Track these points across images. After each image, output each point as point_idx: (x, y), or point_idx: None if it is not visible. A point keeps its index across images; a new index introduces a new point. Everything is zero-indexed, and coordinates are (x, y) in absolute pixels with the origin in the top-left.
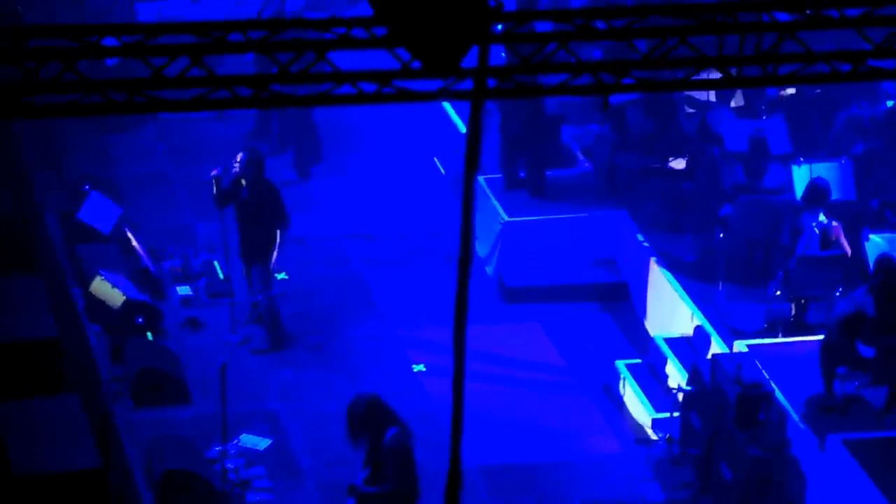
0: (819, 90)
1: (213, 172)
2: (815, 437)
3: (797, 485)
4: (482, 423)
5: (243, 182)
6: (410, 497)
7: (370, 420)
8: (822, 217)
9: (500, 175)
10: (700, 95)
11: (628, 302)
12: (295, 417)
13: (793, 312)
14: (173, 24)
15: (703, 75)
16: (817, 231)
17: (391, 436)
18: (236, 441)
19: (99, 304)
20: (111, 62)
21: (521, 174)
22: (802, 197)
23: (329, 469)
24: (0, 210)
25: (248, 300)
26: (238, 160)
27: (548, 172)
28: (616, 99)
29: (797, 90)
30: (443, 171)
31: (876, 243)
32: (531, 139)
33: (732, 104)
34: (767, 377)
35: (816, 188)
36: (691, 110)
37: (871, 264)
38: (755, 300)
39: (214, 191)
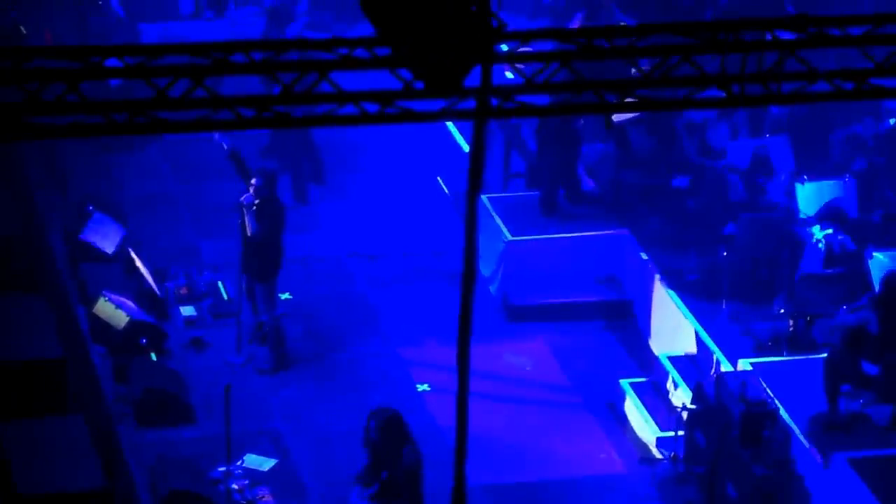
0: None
1: (225, 146)
2: (819, 455)
3: (802, 503)
4: (486, 442)
5: (255, 202)
6: None
7: (389, 435)
8: (819, 232)
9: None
10: (698, 117)
11: (632, 320)
12: (299, 437)
13: (794, 329)
14: (176, 45)
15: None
16: (822, 247)
17: (408, 454)
18: (241, 461)
19: (103, 325)
20: (114, 83)
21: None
22: (818, 216)
23: (333, 488)
24: (4, 230)
25: (253, 320)
26: (253, 183)
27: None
28: (618, 117)
29: (799, 109)
30: (446, 191)
31: (879, 260)
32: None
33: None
34: (772, 395)
35: (832, 209)
36: (684, 132)
37: (877, 281)
38: (759, 318)
39: (234, 162)
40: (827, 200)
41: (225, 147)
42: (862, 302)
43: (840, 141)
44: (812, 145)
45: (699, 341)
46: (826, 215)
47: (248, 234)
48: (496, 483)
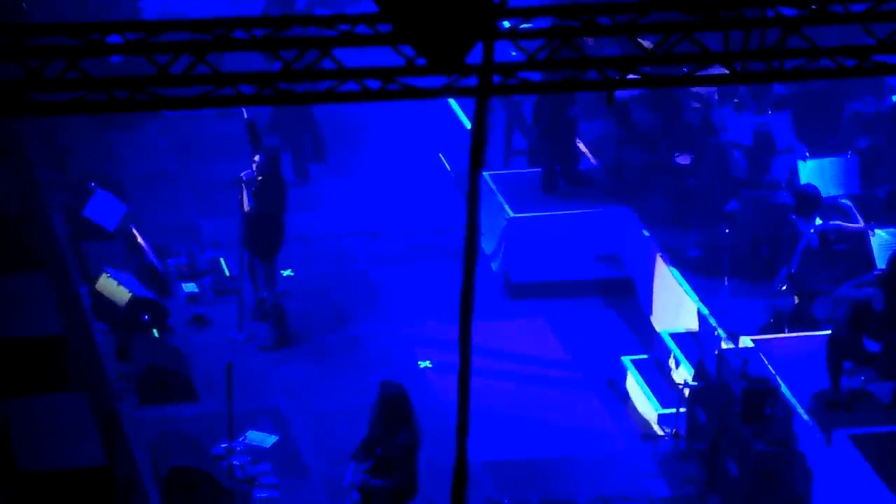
0: (824, 85)
1: (245, 115)
2: (821, 432)
3: (803, 480)
4: (488, 418)
5: (257, 178)
6: (412, 492)
7: (388, 412)
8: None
9: (543, 168)
10: (703, 91)
11: (634, 297)
12: (300, 414)
13: (797, 307)
14: (177, 21)
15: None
16: (815, 236)
17: (405, 433)
18: (242, 438)
19: (105, 302)
20: (115, 60)
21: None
22: (794, 207)
23: (335, 466)
24: (6, 208)
25: (254, 297)
26: (256, 160)
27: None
28: (620, 94)
29: (802, 86)
30: (448, 168)
31: (881, 238)
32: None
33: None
34: (773, 372)
35: (806, 197)
36: (696, 105)
37: (879, 258)
38: (761, 295)
39: (250, 132)
40: (830, 177)
41: (245, 116)
42: (867, 278)
43: (844, 118)
44: (820, 122)
45: (701, 318)
46: (801, 207)
47: (245, 211)
48: (498, 460)
